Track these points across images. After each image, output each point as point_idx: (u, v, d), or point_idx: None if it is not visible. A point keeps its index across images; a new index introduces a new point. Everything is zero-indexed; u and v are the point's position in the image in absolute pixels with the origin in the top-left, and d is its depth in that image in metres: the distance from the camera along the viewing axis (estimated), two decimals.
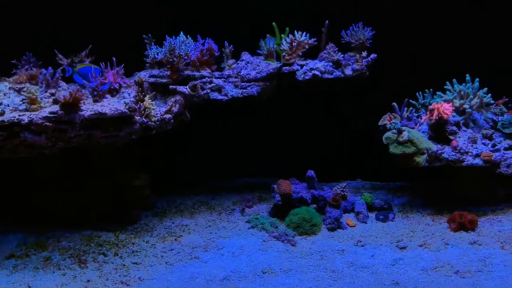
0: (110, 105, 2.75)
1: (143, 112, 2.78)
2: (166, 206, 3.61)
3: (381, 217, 3.38)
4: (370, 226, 3.32)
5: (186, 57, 3.20)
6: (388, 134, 3.45)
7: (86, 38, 3.57)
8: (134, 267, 2.85)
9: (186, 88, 3.17)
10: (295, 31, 3.42)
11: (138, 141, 3.21)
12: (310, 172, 3.37)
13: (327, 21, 3.64)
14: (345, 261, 2.85)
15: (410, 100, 3.74)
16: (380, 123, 3.58)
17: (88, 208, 3.25)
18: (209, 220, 3.43)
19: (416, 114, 3.72)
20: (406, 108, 3.61)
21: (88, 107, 2.72)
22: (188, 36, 3.39)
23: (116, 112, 2.69)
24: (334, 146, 4.12)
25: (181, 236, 3.17)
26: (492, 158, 3.20)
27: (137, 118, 2.78)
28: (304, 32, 3.53)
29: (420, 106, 3.77)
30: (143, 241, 3.10)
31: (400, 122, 3.60)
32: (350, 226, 3.30)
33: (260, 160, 4.08)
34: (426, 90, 3.75)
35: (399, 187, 4.07)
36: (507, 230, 3.12)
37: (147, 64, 3.59)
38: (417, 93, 3.72)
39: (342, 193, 3.45)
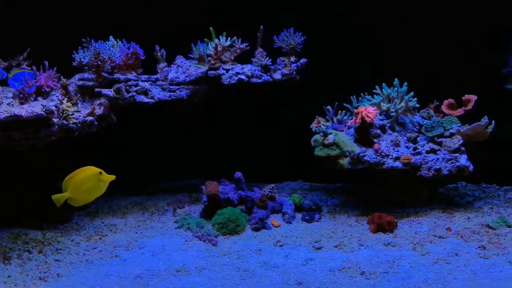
0: (29, 108, 2.83)
1: (61, 114, 2.87)
2: (99, 206, 3.68)
3: (306, 217, 3.45)
4: (294, 227, 3.39)
5: (109, 61, 3.29)
6: (316, 137, 3.53)
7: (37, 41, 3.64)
8: (56, 264, 2.92)
9: (111, 91, 3.26)
10: (220, 36, 3.50)
11: (72, 142, 3.31)
12: (238, 174, 3.44)
13: (261, 26, 3.73)
14: (259, 260, 2.92)
15: (345, 104, 3.85)
16: (311, 126, 3.67)
17: (19, 207, 3.30)
18: (139, 220, 3.50)
19: (351, 118, 3.81)
20: (335, 112, 3.70)
21: (6, 109, 2.81)
22: (118, 40, 3.49)
23: (32, 114, 2.78)
24: (279, 148, 4.20)
25: (106, 235, 3.24)
26: (411, 161, 3.28)
27: (55, 120, 2.87)
28: (235, 37, 3.61)
29: (354, 109, 3.84)
30: (69, 239, 3.17)
31: (332, 125, 3.70)
32: (275, 227, 3.37)
33: (204, 163, 4.15)
34: (361, 93, 3.83)
35: (338, 188, 4.15)
36: (424, 232, 3.20)
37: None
38: (351, 97, 3.80)
39: (270, 194, 3.52)
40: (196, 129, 4.02)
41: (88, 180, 2.74)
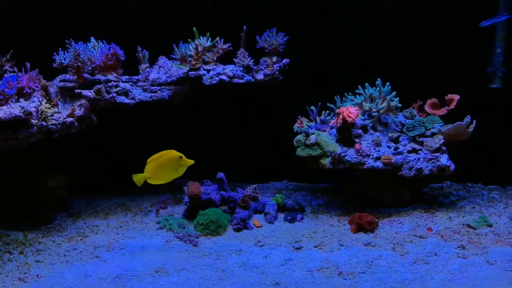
0: (8, 109, 2.83)
1: (40, 115, 2.88)
2: (83, 208, 3.69)
3: (289, 218, 3.45)
4: (276, 227, 3.40)
5: (89, 62, 3.30)
6: (298, 137, 3.53)
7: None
8: (36, 265, 2.92)
9: (91, 92, 3.26)
10: (201, 36, 3.50)
11: (54, 143, 3.32)
12: (220, 174, 3.45)
13: (244, 26, 3.73)
14: (238, 261, 2.92)
15: (329, 104, 3.84)
16: (294, 126, 3.67)
17: (1, 208, 3.32)
18: (122, 221, 3.50)
19: (334, 118, 3.79)
20: (318, 112, 3.69)
21: None
22: (99, 41, 3.50)
23: (10, 116, 2.78)
24: (266, 148, 4.18)
25: (87, 236, 3.24)
26: (392, 161, 3.28)
27: (33, 121, 2.87)
28: (218, 38, 3.61)
29: (337, 109, 3.83)
30: (50, 240, 3.17)
31: (315, 125, 3.70)
32: (257, 227, 3.37)
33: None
34: (345, 93, 3.82)
35: (323, 188, 4.16)
36: (405, 231, 3.20)
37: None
38: (335, 97, 3.79)
39: (253, 194, 3.52)
40: (181, 130, 4.01)
41: (168, 163, 2.93)
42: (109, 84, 3.36)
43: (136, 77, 3.50)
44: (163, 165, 2.92)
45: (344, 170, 3.53)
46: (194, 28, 3.71)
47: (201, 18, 3.97)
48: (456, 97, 3.61)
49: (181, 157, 2.91)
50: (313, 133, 3.50)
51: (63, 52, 3.34)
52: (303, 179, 4.36)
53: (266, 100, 4.15)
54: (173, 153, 2.93)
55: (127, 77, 3.49)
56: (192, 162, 2.95)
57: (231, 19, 3.98)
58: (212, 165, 3.77)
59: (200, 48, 3.44)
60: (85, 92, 3.28)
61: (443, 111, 3.64)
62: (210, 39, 3.54)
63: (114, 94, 3.30)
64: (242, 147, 4.21)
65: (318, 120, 3.71)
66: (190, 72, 3.48)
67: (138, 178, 2.93)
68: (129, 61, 3.79)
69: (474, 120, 3.40)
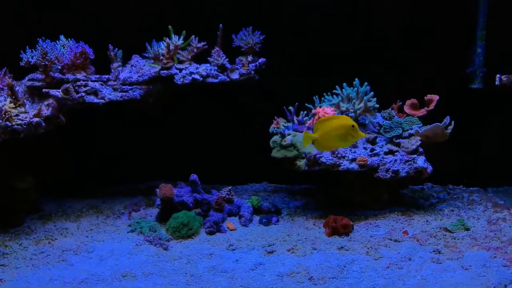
0: None
1: (4, 115, 2.79)
2: (53, 210, 3.59)
3: (264, 220, 3.37)
4: (250, 230, 3.32)
5: (57, 61, 3.21)
6: (274, 138, 3.47)
7: None
8: (0, 269, 2.84)
9: (59, 91, 3.17)
10: (173, 35, 3.42)
11: (24, 143, 3.24)
12: (193, 176, 3.35)
13: (220, 24, 3.66)
14: (208, 265, 2.84)
15: (307, 104, 3.77)
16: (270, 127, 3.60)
17: None
18: (93, 224, 3.41)
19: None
20: (295, 112, 3.61)
21: None
22: (69, 39, 3.41)
23: None
24: (245, 149, 4.09)
25: (56, 239, 3.15)
26: (368, 163, 3.21)
27: None
28: (193, 36, 3.53)
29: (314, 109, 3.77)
30: (17, 243, 3.09)
31: (292, 126, 3.63)
32: (230, 230, 3.29)
33: (167, 164, 4.07)
34: (324, 94, 3.75)
35: (302, 190, 4.08)
36: (380, 235, 3.14)
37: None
38: (314, 97, 3.72)
39: (228, 196, 3.43)
40: (156, 130, 3.94)
41: (339, 129, 2.80)
42: (78, 83, 3.26)
43: (107, 76, 3.40)
44: (334, 130, 2.80)
45: (321, 172, 3.48)
46: (169, 26, 3.63)
47: (181, 16, 3.91)
48: (436, 97, 3.54)
49: (353, 126, 2.77)
50: (289, 134, 3.44)
51: (30, 51, 3.25)
52: (283, 181, 4.28)
53: (246, 100, 4.09)
54: (347, 120, 2.84)
55: (97, 76, 3.40)
56: (364, 135, 2.86)
57: (211, 17, 3.92)
58: (189, 167, 3.70)
59: (172, 47, 3.36)
60: (53, 92, 3.19)
61: (422, 111, 3.57)
62: (182, 37, 3.45)
63: (83, 94, 3.21)
64: (221, 148, 4.13)
65: (295, 121, 3.63)
66: (161, 71, 3.40)
67: (307, 136, 2.85)
68: (106, 60, 3.72)
69: (453, 121, 3.34)
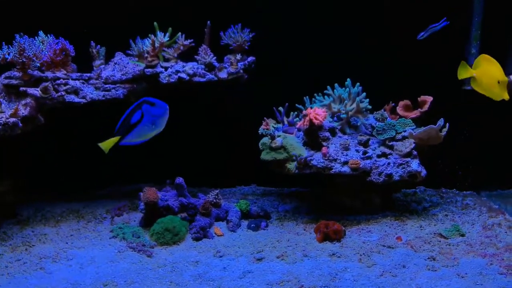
0: None
1: None
2: (31, 214, 3.42)
3: (252, 225, 3.25)
4: (238, 235, 3.19)
5: (35, 58, 3.06)
6: (264, 139, 3.34)
7: None
8: None
9: (37, 90, 3.02)
10: (158, 31, 3.28)
11: (0, 144, 3.09)
12: (179, 179, 3.22)
13: (208, 21, 3.53)
14: (194, 273, 2.71)
15: (297, 105, 3.66)
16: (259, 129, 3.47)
17: None
18: (73, 229, 3.25)
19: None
20: (285, 113, 3.49)
21: None
22: (49, 35, 3.25)
23: None
24: (234, 151, 3.98)
25: (33, 245, 3.00)
26: (360, 166, 3.09)
27: None
28: (179, 33, 3.40)
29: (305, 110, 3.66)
30: None
31: (282, 127, 3.51)
32: (218, 235, 3.16)
33: (155, 167, 3.92)
34: (315, 94, 3.64)
35: (292, 193, 3.96)
36: (373, 241, 3.03)
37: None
38: (304, 97, 3.60)
39: (215, 200, 3.31)
40: None
41: (501, 75, 2.62)
42: (58, 81, 3.10)
43: (88, 74, 3.25)
44: (496, 71, 2.63)
45: (312, 175, 3.38)
46: (155, 23, 3.49)
47: (167, 13, 3.77)
48: (429, 98, 3.44)
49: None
50: (279, 136, 3.31)
51: (7, 47, 3.08)
52: (272, 183, 4.15)
53: (234, 100, 3.98)
54: (502, 73, 2.63)
55: (78, 74, 3.24)
56: (508, 97, 2.64)
57: (199, 14, 3.79)
58: (176, 169, 3.58)
59: (157, 44, 3.22)
60: (31, 90, 3.03)
61: (416, 113, 3.47)
62: (168, 34, 3.31)
63: (63, 93, 3.05)
64: (208, 149, 3.99)
65: (285, 122, 3.51)
66: (146, 70, 3.26)
67: (463, 69, 2.71)
68: (88, 57, 3.57)
69: (447, 124, 3.25)
